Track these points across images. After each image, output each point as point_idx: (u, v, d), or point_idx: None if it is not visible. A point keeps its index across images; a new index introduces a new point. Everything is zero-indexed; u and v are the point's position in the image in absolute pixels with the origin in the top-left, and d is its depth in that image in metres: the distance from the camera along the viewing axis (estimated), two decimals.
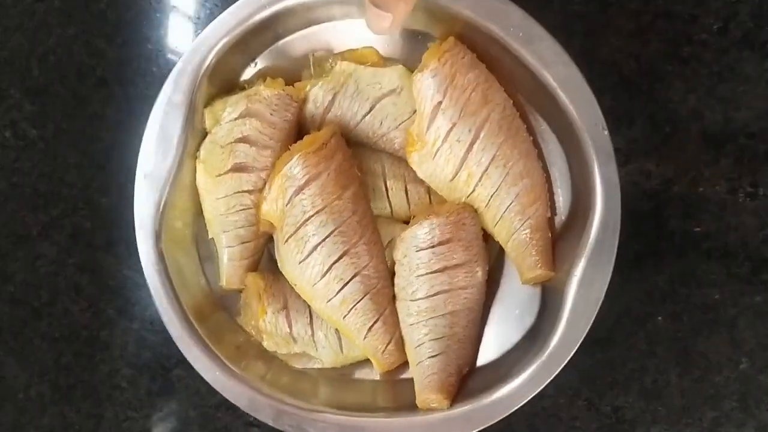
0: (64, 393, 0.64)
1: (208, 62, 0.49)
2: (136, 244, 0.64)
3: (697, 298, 0.60)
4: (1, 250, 0.65)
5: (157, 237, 0.50)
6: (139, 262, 0.63)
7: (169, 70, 0.62)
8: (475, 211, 0.51)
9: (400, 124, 0.51)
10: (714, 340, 0.60)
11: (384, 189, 0.53)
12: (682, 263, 0.60)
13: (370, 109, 0.51)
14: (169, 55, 0.63)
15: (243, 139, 0.50)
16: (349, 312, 0.51)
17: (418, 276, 0.50)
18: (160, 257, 0.50)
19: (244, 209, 0.51)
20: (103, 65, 0.63)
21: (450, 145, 0.48)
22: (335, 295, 0.50)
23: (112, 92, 0.63)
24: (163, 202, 0.50)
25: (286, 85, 0.51)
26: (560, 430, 0.61)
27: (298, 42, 0.52)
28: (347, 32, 0.52)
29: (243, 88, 0.52)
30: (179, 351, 0.63)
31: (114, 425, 0.64)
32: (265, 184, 0.50)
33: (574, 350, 0.49)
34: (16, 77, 0.64)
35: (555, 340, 0.48)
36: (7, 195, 0.64)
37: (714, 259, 0.60)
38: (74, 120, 0.64)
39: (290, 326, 0.52)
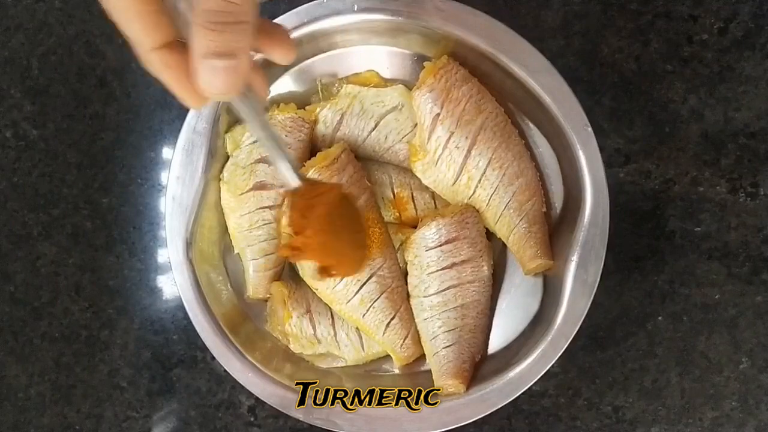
0: (64, 393, 0.64)
1: None
2: (136, 245, 0.64)
3: (697, 298, 0.60)
4: (1, 249, 0.65)
5: (189, 255, 0.54)
6: (140, 262, 0.64)
7: None
8: (477, 211, 0.54)
9: (403, 138, 0.56)
10: (714, 340, 0.60)
11: (392, 197, 0.56)
12: (682, 263, 0.60)
13: (375, 126, 0.56)
14: None
15: (262, 160, 0.55)
16: (367, 311, 0.54)
17: (429, 273, 0.53)
18: (193, 273, 0.54)
19: (266, 224, 0.55)
20: (103, 65, 0.63)
21: (450, 152, 0.52)
22: (354, 296, 0.53)
23: (112, 92, 0.63)
24: (191, 222, 0.54)
25: (297, 109, 0.56)
26: (560, 429, 0.61)
27: (305, 70, 0.57)
28: (349, 58, 0.57)
29: None
30: (179, 351, 0.63)
31: (114, 425, 0.64)
32: (284, 199, 0.54)
33: (576, 329, 0.51)
34: (17, 77, 0.64)
35: (558, 320, 0.51)
36: (7, 195, 0.64)
37: (714, 259, 0.60)
38: (74, 120, 0.64)
39: (314, 328, 0.56)
